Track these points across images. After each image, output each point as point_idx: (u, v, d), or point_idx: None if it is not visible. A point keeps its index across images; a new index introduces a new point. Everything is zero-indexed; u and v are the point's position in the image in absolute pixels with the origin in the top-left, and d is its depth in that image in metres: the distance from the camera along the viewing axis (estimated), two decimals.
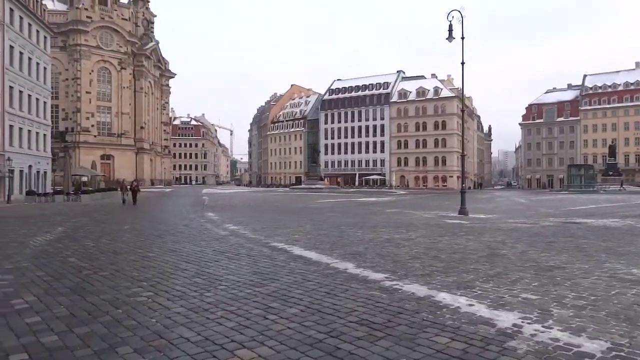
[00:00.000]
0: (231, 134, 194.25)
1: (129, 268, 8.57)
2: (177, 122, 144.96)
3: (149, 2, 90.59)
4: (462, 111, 26.16)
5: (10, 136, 38.10)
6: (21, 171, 40.29)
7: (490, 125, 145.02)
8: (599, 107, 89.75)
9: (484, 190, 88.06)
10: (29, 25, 42.39)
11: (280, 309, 5.73)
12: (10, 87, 38.18)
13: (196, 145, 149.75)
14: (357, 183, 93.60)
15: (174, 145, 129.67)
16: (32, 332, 4.96)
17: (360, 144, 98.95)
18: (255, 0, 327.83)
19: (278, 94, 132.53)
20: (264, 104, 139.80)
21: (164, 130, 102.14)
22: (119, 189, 34.47)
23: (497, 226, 16.17)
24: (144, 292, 6.63)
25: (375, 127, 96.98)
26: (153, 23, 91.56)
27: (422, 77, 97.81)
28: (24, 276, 7.93)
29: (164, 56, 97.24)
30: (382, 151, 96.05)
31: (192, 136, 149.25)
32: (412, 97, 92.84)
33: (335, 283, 7.10)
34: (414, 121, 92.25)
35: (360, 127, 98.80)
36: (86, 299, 6.32)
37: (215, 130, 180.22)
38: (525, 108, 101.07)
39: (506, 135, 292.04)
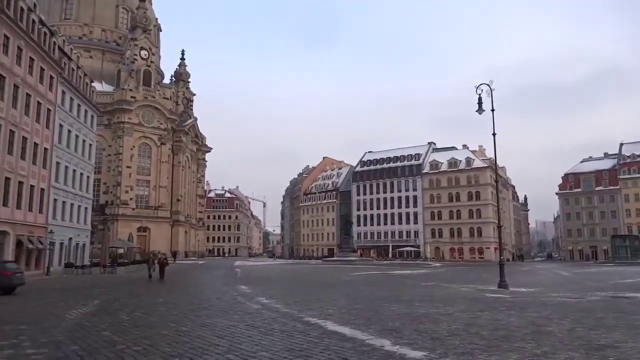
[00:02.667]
0: (264, 206, 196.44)
1: (162, 343, 8.47)
2: (211, 194, 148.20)
3: (189, 82, 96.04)
4: (496, 181, 25.90)
5: (54, 209, 39.65)
6: (61, 243, 41.44)
7: (525, 195, 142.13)
8: (638, 175, 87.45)
9: (524, 262, 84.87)
10: (78, 105, 45.34)
11: None
12: (58, 163, 40.26)
13: (230, 217, 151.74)
14: (390, 255, 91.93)
15: (208, 217, 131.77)
16: None
17: (392, 215, 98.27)
18: (288, 75, 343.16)
19: (310, 166, 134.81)
20: (296, 176, 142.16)
21: (199, 203, 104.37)
22: (147, 262, 32.29)
23: (541, 300, 15.41)
24: None
25: (407, 198, 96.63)
26: (192, 101, 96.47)
27: (454, 148, 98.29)
28: (59, 350, 7.93)
29: (201, 131, 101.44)
30: (416, 222, 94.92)
31: (226, 208, 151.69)
32: (444, 167, 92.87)
33: None
34: (446, 192, 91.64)
35: (392, 199, 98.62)
36: None
37: (249, 202, 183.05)
38: (562, 177, 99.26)
39: (543, 205, 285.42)
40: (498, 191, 26.25)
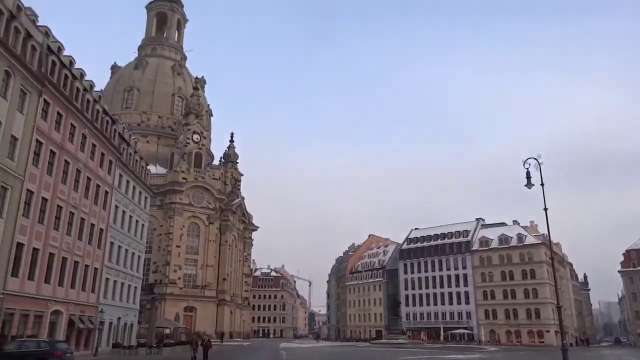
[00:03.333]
0: (310, 285, 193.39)
1: None
2: (257, 273, 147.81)
3: (237, 162, 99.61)
4: (551, 259, 24.58)
5: (105, 289, 40.45)
6: (110, 323, 41.76)
7: (585, 274, 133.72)
8: None
9: (589, 347, 78.16)
10: (134, 187, 47.58)
11: None
12: (112, 243, 41.64)
13: (275, 297, 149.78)
14: (442, 338, 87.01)
15: (254, 296, 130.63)
16: None
17: (442, 294, 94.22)
18: (333, 151, 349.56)
19: (356, 244, 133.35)
20: (342, 254, 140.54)
21: (245, 282, 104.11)
22: (189, 344, 31.51)
23: None
24: None
25: (457, 276, 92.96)
26: (240, 181, 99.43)
27: (503, 224, 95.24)
28: None
29: (247, 210, 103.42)
30: (467, 302, 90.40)
31: (271, 287, 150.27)
32: (494, 244, 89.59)
33: None
34: (498, 270, 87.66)
35: (441, 277, 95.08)
36: None
37: (294, 282, 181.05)
38: (623, 254, 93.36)
39: (605, 284, 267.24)
40: (554, 269, 24.88)
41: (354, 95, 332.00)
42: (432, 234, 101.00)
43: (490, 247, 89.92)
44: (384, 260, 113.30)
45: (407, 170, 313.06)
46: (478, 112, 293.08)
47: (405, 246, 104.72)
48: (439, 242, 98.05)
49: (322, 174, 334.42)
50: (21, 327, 27.20)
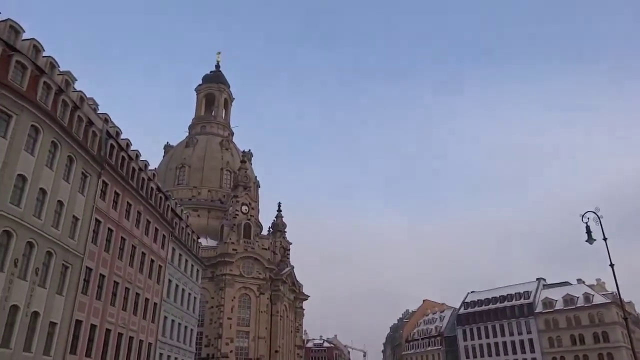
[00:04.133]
0: (364, 356, 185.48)
1: None
2: (309, 344, 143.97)
3: (285, 231, 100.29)
4: (625, 319, 22.81)
5: None
6: None
7: None
8: None
9: None
10: (186, 260, 48.58)
11: None
12: (165, 317, 42.09)
13: None
14: None
15: None
16: None
17: None
18: (380, 218, 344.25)
19: (410, 310, 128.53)
20: (396, 322, 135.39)
21: (297, 354, 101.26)
22: None
23: None
24: None
25: (522, 342, 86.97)
26: (289, 250, 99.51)
27: (567, 283, 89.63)
28: None
29: (298, 279, 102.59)
30: None
31: (324, 359, 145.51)
32: (559, 306, 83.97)
33: None
34: (567, 334, 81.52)
35: (504, 343, 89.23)
36: None
37: (348, 352, 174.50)
38: None
39: None
40: (629, 330, 22.98)
41: (404, 155, 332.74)
42: (490, 297, 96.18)
43: (555, 308, 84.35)
44: (441, 327, 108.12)
45: (457, 231, 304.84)
46: (530, 164, 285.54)
47: (462, 311, 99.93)
48: (499, 305, 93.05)
49: (371, 238, 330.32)
50: None
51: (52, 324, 25.04)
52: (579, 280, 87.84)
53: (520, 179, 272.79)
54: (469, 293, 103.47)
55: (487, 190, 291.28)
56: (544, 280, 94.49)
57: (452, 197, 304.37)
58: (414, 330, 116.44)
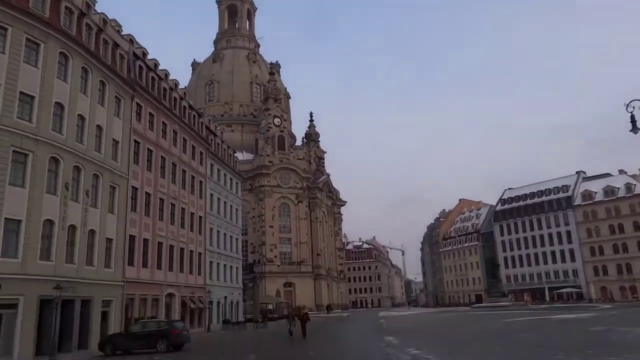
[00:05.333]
0: (403, 255, 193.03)
1: None
2: (349, 246, 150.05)
3: (318, 140, 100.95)
4: None
5: (210, 271, 43.42)
6: (218, 302, 44.90)
7: None
8: None
9: None
10: (225, 175, 50.16)
11: None
12: (211, 229, 44.47)
13: (369, 268, 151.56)
14: (547, 298, 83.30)
15: (348, 269, 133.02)
16: None
17: (544, 254, 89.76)
18: (415, 118, 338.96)
19: (447, 210, 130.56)
20: (433, 221, 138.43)
21: (339, 256, 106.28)
22: (287, 318, 30.46)
23: None
24: None
25: (559, 234, 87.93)
26: (323, 159, 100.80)
27: (608, 174, 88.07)
28: None
29: (334, 186, 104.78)
30: (573, 260, 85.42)
31: (365, 259, 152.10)
32: (599, 197, 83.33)
33: None
34: (606, 224, 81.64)
35: (541, 236, 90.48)
36: None
37: (387, 252, 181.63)
38: None
39: None
40: None
41: (440, 56, 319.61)
42: (527, 193, 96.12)
43: (595, 200, 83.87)
44: (477, 224, 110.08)
45: (496, 129, 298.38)
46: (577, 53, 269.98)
47: (499, 207, 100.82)
48: (536, 199, 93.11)
49: (406, 140, 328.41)
50: (141, 310, 30.07)
51: (109, 240, 26.93)
52: (621, 171, 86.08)
53: (560, 70, 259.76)
54: (506, 190, 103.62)
55: (527, 85, 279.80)
56: (584, 173, 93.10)
57: (488, 93, 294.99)
58: (451, 228, 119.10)
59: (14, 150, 20.72)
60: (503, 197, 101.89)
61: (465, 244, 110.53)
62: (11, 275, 19.75)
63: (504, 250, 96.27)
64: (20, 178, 20.99)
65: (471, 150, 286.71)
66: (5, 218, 20.00)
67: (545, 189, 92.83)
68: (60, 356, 20.08)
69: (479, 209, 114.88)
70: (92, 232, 25.30)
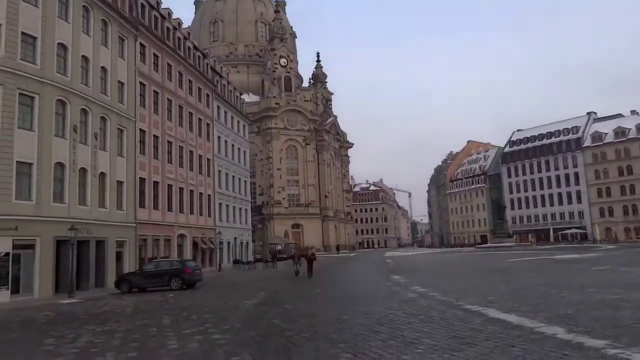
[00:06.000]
0: (409, 196, 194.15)
1: (326, 330, 8.95)
2: (356, 188, 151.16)
3: (326, 82, 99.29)
4: None
5: (220, 213, 44.15)
6: (228, 242, 45.97)
7: None
8: None
9: None
10: (232, 117, 49.82)
11: None
12: (219, 171, 44.76)
13: (376, 210, 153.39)
14: (552, 239, 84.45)
15: (355, 211, 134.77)
16: None
17: (551, 195, 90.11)
18: (422, 59, 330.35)
19: (454, 152, 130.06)
20: (440, 164, 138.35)
21: (346, 198, 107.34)
22: (291, 259, 30.03)
23: None
24: (343, 354, 6.83)
25: (567, 176, 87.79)
26: (330, 100, 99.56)
27: (619, 115, 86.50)
28: (238, 336, 8.85)
29: (341, 128, 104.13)
30: (579, 202, 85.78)
31: (371, 201, 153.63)
32: (609, 139, 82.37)
33: (545, 350, 6.40)
34: (614, 166, 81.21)
35: (549, 178, 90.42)
36: (293, 358, 6.75)
37: (394, 194, 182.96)
38: None
39: None
40: None
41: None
42: (536, 134, 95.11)
43: (605, 142, 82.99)
44: (485, 166, 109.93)
45: (507, 70, 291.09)
46: None
47: (507, 149, 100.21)
48: (545, 142, 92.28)
49: (413, 82, 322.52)
50: (155, 250, 30.89)
51: (119, 183, 27.24)
52: (633, 112, 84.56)
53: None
54: (514, 132, 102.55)
55: (542, 23, 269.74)
56: (595, 114, 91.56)
57: (498, 33, 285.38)
58: (458, 170, 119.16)
59: (20, 93, 20.59)
60: (512, 139, 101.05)
61: (472, 186, 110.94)
62: (26, 217, 20.19)
63: (511, 192, 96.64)
64: (29, 121, 20.98)
65: (481, 93, 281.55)
66: (17, 161, 20.18)
67: (555, 131, 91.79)
68: (78, 293, 20.86)
69: (487, 151, 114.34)
70: (102, 174, 25.55)
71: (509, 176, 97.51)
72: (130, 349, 8.12)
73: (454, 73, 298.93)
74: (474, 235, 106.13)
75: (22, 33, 20.97)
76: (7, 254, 19.50)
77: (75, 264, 21.37)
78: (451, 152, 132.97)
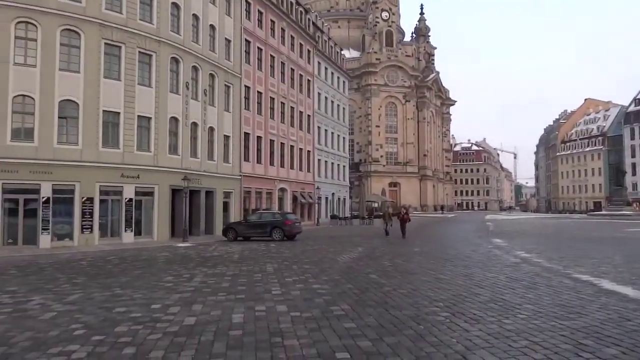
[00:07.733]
0: (514, 158, 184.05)
1: (424, 288, 8.96)
2: (457, 148, 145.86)
3: (429, 36, 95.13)
4: None
5: (319, 169, 45.12)
6: (326, 198, 47.08)
7: None
8: None
9: None
10: (332, 73, 49.85)
11: (595, 347, 5.07)
12: (318, 127, 45.43)
13: (477, 171, 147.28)
14: None
15: (455, 171, 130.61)
16: (350, 336, 5.66)
17: None
18: (536, 18, 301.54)
19: (569, 111, 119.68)
20: (552, 123, 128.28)
21: (446, 157, 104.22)
22: (382, 217, 28.86)
23: None
24: (441, 312, 6.82)
25: None
26: (433, 55, 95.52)
27: None
28: (337, 287, 9.16)
29: (444, 85, 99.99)
30: None
31: (473, 161, 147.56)
32: None
33: None
34: None
35: None
36: (390, 312, 6.87)
37: (498, 155, 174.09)
38: None
39: None
40: None
41: None
42: None
43: None
44: (604, 127, 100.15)
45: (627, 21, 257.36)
46: None
47: (632, 108, 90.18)
48: None
49: (524, 33, 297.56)
50: (257, 202, 32.54)
51: (226, 137, 28.76)
52: None
53: None
54: None
55: None
56: None
57: None
58: (572, 131, 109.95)
59: (139, 52, 22.17)
60: (638, 97, 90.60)
61: (587, 148, 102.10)
62: (147, 166, 22.16)
63: (633, 156, 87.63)
64: (147, 78, 22.63)
65: (603, 46, 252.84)
66: (138, 115, 22.02)
67: None
68: (190, 238, 22.75)
69: (607, 110, 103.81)
70: (211, 129, 27.10)
71: (632, 138, 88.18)
72: (238, 291, 8.77)
73: (575, 22, 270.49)
74: (586, 202, 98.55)
75: None
76: (131, 199, 21.67)
77: (188, 212, 23.23)
78: (565, 110, 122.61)
